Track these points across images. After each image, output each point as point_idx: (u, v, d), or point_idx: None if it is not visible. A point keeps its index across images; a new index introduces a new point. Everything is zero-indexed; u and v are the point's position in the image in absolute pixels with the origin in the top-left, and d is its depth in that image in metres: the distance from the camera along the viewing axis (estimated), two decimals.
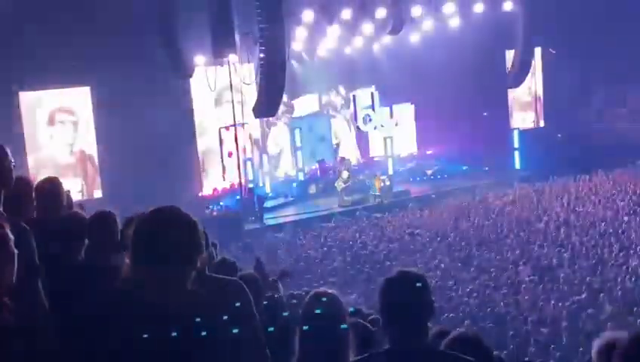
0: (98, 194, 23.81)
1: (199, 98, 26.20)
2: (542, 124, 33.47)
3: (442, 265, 15.91)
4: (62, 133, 23.79)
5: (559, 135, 30.41)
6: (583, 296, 12.64)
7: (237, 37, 22.58)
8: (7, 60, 20.01)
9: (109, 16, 20.91)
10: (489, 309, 12.59)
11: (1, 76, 20.37)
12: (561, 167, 25.81)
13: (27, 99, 23.03)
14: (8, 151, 3.11)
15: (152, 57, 22.56)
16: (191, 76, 25.15)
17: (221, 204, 24.96)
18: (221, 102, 26.51)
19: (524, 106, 33.52)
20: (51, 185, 4.02)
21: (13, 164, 3.10)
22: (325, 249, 18.89)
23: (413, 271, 3.09)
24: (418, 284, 3.01)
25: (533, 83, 32.83)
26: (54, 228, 3.54)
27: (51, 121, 23.50)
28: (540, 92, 33.26)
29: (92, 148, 23.99)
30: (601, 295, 12.55)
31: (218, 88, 25.48)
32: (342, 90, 30.37)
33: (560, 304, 12.41)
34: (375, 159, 30.05)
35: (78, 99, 23.83)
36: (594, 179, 24.50)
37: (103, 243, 3.72)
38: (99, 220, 3.83)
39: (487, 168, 28.47)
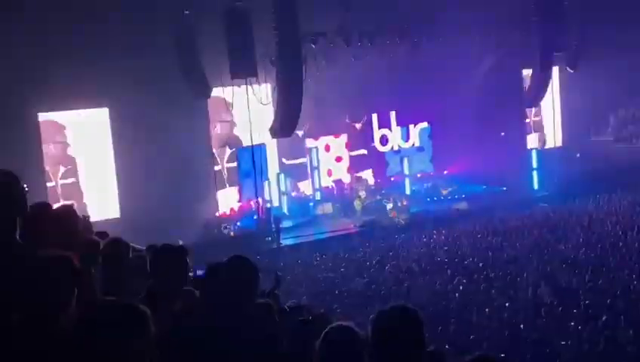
0: (116, 214, 23.88)
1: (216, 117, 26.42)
2: (560, 143, 33.27)
3: (461, 287, 15.74)
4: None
5: (578, 155, 30.19)
6: (604, 318, 12.44)
7: (255, 57, 22.69)
8: (26, 82, 20.23)
9: (127, 36, 21.12)
10: (508, 332, 12.42)
11: (20, 98, 20.57)
12: (580, 188, 25.58)
13: (46, 120, 23.22)
14: (19, 179, 3.11)
15: (170, 78, 22.73)
16: (209, 97, 25.29)
17: (238, 224, 24.97)
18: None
19: (541, 126, 33.36)
20: (65, 212, 4.02)
21: (27, 189, 3.10)
22: (342, 270, 18.79)
23: (406, 306, 3.03)
24: (409, 320, 2.95)
25: (551, 102, 32.68)
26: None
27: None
28: (558, 111, 33.10)
29: (110, 169, 24.10)
30: (622, 317, 12.35)
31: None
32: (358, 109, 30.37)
33: (580, 327, 12.22)
34: (391, 179, 29.97)
35: (96, 121, 23.99)
36: (613, 200, 24.24)
37: (118, 270, 3.71)
38: (112, 248, 3.82)
39: (505, 188, 28.27)
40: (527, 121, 32.51)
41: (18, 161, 18.71)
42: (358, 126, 29.71)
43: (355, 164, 29.68)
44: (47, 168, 23.02)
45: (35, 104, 21.86)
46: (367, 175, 29.80)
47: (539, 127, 33.26)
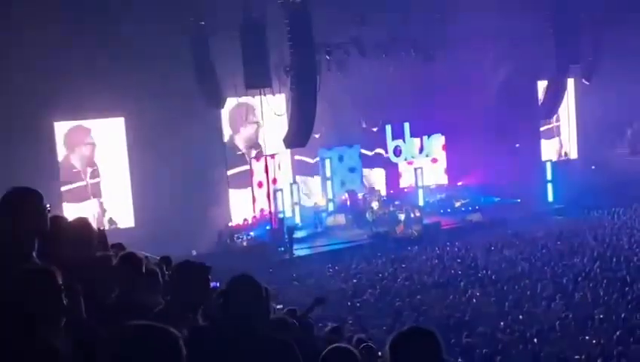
0: (130, 222, 24.01)
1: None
2: (575, 156, 33.09)
3: (474, 299, 15.67)
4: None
5: (593, 167, 30.01)
6: (618, 332, 12.34)
7: (269, 68, 22.77)
8: (42, 91, 20.43)
9: (142, 47, 21.28)
10: (522, 346, 12.34)
11: (36, 107, 20.76)
12: (594, 200, 25.41)
13: (62, 129, 23.44)
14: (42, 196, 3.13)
15: (185, 88, 22.86)
16: (223, 106, 25.41)
17: (251, 234, 25.00)
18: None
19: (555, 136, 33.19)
20: (81, 225, 4.04)
21: (49, 209, 3.12)
22: (355, 281, 18.76)
23: (425, 329, 2.99)
24: (429, 344, 2.91)
25: (566, 114, 32.54)
26: (85, 268, 3.57)
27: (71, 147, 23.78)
28: (573, 123, 32.94)
29: (125, 177, 24.26)
30: (638, 332, 12.25)
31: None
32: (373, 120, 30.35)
33: (594, 341, 12.13)
34: (405, 190, 29.90)
35: (112, 130, 24.18)
36: (628, 213, 24.07)
37: (133, 283, 3.73)
38: (126, 261, 3.83)
39: (519, 200, 28.12)
40: (550, 125, 32.24)
41: (33, 167, 19.16)
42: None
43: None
44: (79, 168, 23.53)
45: (51, 113, 22.05)
46: (380, 185, 29.77)
47: (559, 133, 33.01)
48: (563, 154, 33.00)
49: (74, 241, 3.73)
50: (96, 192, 23.95)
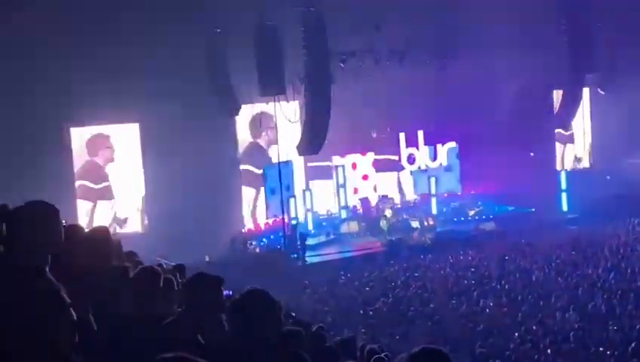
0: (143, 228, 24.12)
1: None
2: (589, 165, 32.88)
3: (487, 309, 15.59)
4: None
5: (608, 177, 29.80)
6: (633, 344, 12.23)
7: (284, 75, 22.83)
8: (59, 96, 20.61)
9: (158, 54, 21.44)
10: (535, 356, 12.27)
11: (52, 112, 20.95)
12: (609, 210, 25.22)
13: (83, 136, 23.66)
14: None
15: (200, 95, 22.98)
16: (237, 114, 25.48)
17: (264, 240, 25.03)
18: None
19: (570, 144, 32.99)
20: (99, 236, 4.03)
21: (65, 224, 3.13)
22: (367, 289, 18.71)
23: (438, 349, 2.96)
24: None
25: (582, 123, 32.36)
26: (103, 279, 3.58)
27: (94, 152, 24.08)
28: (589, 133, 32.76)
29: (139, 183, 24.40)
30: None
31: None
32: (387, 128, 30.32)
33: (608, 352, 12.03)
34: (418, 198, 29.81)
35: (127, 135, 24.36)
36: None
37: (149, 294, 3.73)
38: (145, 275, 3.83)
39: (533, 209, 27.97)
40: (570, 132, 32.03)
41: (49, 173, 19.35)
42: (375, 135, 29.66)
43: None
44: (106, 171, 24.07)
45: (67, 118, 22.22)
46: (393, 193, 29.72)
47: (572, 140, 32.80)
48: (576, 159, 32.70)
49: (90, 252, 3.74)
50: (110, 195, 24.26)
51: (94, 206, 23.63)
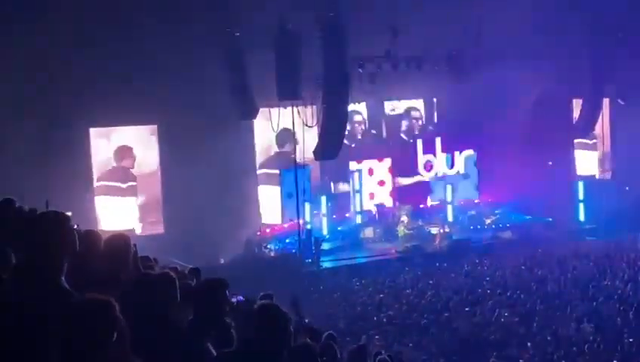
0: (160, 229, 24.22)
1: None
2: (609, 176, 32.58)
3: (502, 319, 15.50)
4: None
5: (627, 188, 29.54)
6: None
7: (302, 79, 22.85)
8: (78, 97, 20.78)
9: (177, 57, 21.56)
10: None
11: (71, 112, 21.11)
12: (627, 222, 25.00)
13: (96, 134, 23.83)
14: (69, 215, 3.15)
15: (218, 97, 23.04)
16: (255, 117, 25.52)
17: (279, 244, 25.04)
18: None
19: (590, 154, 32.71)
20: (117, 242, 3.99)
21: (77, 229, 3.14)
22: (382, 296, 18.66)
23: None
24: None
25: (601, 133, 32.10)
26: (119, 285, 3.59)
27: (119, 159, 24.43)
28: (608, 143, 32.49)
29: (156, 185, 24.54)
30: None
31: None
32: (403, 136, 30.26)
33: None
34: (434, 205, 29.69)
35: (145, 137, 24.52)
36: None
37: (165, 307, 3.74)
38: (163, 279, 3.83)
39: (550, 219, 27.77)
40: (593, 141, 31.76)
41: (68, 173, 19.51)
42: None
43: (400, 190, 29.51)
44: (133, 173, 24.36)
45: (86, 119, 22.38)
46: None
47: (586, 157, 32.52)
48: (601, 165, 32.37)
49: (108, 259, 3.74)
50: (136, 192, 24.67)
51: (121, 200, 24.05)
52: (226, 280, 3.85)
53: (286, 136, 26.10)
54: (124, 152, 24.54)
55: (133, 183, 24.48)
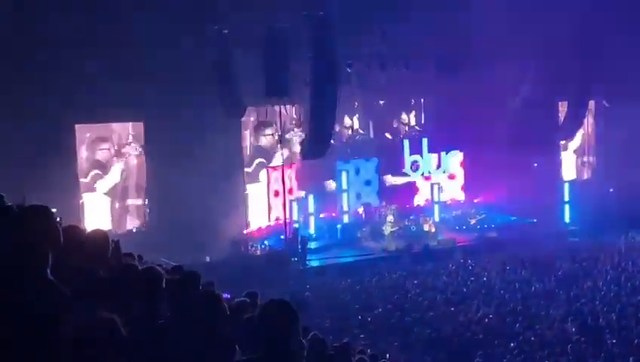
0: (145, 227, 24.15)
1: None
2: (590, 176, 32.83)
3: (486, 319, 15.57)
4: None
5: (611, 189, 29.78)
6: (631, 359, 12.23)
7: (289, 79, 22.84)
8: (65, 94, 20.64)
9: (165, 54, 21.49)
10: None
11: (57, 109, 20.93)
12: (612, 223, 25.20)
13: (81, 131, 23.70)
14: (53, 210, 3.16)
15: (205, 96, 22.95)
16: (242, 116, 25.48)
17: (265, 243, 25.03)
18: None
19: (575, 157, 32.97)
20: (98, 237, 4.08)
21: (61, 222, 3.15)
22: (367, 295, 18.70)
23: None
24: None
25: (586, 135, 32.34)
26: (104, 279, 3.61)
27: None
28: (592, 145, 32.74)
29: (140, 182, 24.49)
30: None
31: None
32: (388, 135, 30.30)
33: None
34: (420, 205, 29.79)
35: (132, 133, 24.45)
36: None
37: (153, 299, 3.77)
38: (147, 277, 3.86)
39: (535, 220, 27.94)
40: (575, 142, 31.97)
41: (54, 170, 19.37)
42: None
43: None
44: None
45: (72, 115, 22.23)
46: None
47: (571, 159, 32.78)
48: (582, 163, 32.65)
49: (89, 253, 3.77)
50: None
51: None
52: (198, 273, 3.87)
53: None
54: (97, 142, 24.31)
55: (114, 175, 24.39)
